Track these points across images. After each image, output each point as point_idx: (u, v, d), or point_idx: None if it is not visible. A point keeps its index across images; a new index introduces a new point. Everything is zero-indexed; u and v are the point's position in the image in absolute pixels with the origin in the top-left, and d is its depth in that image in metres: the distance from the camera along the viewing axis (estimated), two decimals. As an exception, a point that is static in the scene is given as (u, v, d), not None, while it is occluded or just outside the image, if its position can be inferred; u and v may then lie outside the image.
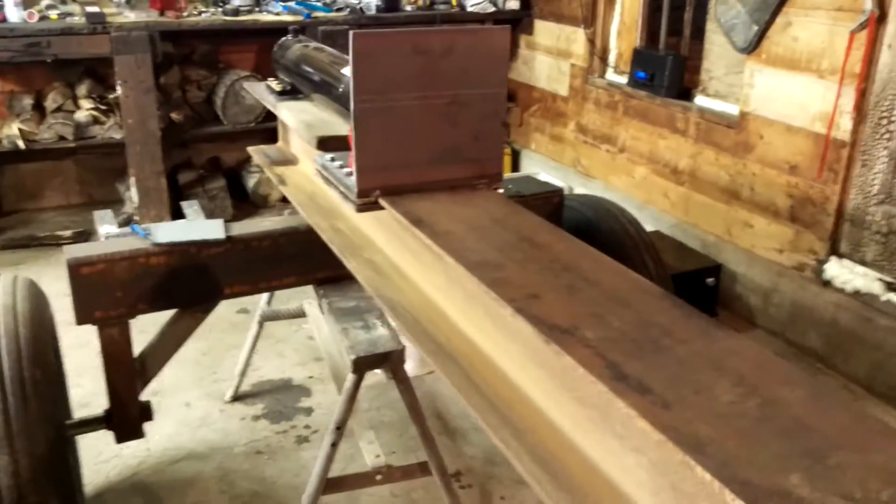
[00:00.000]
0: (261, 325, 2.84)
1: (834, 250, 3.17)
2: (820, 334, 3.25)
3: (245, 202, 4.73)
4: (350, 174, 1.58)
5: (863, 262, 3.07)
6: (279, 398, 2.95)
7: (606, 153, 4.38)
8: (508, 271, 1.20)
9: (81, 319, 1.87)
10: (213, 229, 1.95)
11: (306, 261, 2.10)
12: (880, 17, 2.78)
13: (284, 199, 4.72)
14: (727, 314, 3.61)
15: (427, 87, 1.48)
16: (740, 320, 3.58)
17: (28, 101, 4.12)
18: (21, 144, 3.92)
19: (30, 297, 1.80)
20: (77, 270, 1.82)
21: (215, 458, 2.64)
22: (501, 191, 1.66)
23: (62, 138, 4.02)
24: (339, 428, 1.89)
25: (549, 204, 2.40)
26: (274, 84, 2.44)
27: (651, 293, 1.13)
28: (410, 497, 2.45)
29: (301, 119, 1.96)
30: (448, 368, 1.37)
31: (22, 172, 4.56)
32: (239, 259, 1.99)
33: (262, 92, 2.49)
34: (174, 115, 4.31)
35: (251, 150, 2.68)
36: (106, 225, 1.98)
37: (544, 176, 4.94)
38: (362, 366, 1.81)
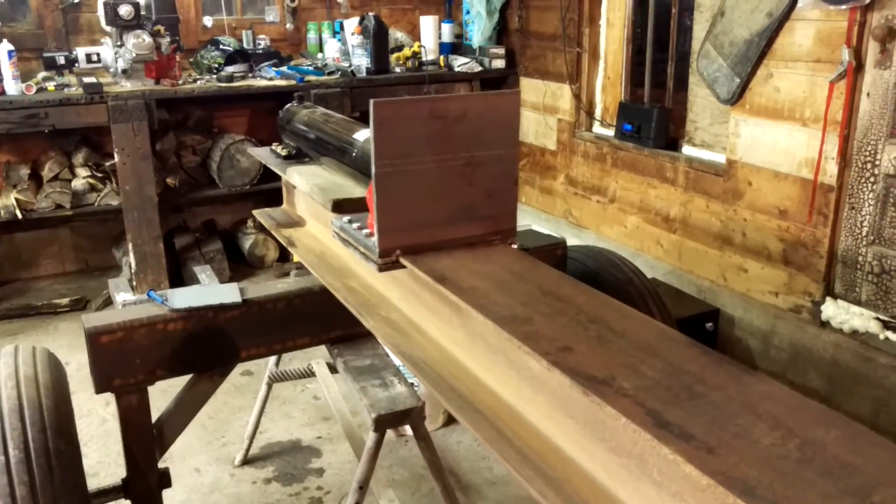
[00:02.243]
0: (269, 386, 2.84)
1: (829, 291, 3.24)
2: (821, 375, 3.29)
3: (241, 264, 4.75)
4: (369, 235, 1.62)
5: (857, 302, 3.14)
6: (289, 460, 2.94)
7: (597, 204, 4.47)
8: (537, 325, 1.24)
9: (100, 388, 1.88)
10: (228, 293, 1.98)
11: (320, 321, 2.13)
12: (857, 67, 2.91)
13: (280, 260, 4.76)
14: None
15: (444, 150, 1.54)
16: (741, 364, 3.62)
17: (24, 171, 4.16)
18: (18, 214, 3.94)
19: (50, 368, 1.81)
20: (96, 339, 1.84)
21: (228, 523, 2.61)
22: (515, 246, 1.70)
23: (59, 207, 4.06)
24: (363, 487, 1.89)
25: (553, 256, 2.46)
26: (279, 149, 2.50)
27: (679, 342, 1.18)
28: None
29: (313, 183, 2.01)
30: (477, 423, 1.39)
31: (17, 242, 4.57)
32: (254, 321, 2.02)
33: (267, 156, 2.55)
34: (170, 181, 4.36)
35: (257, 213, 2.72)
36: (122, 293, 2.01)
37: (536, 228, 5.02)
38: (383, 423, 1.83)
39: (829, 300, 3.22)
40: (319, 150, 2.20)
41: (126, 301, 1.95)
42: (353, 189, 1.95)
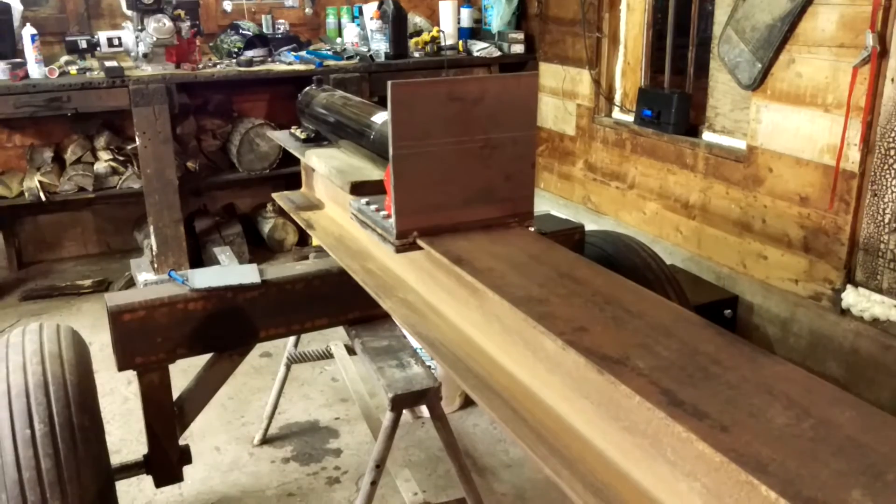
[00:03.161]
0: (288, 367, 2.88)
1: (850, 279, 3.21)
2: (840, 363, 3.27)
3: (261, 247, 4.79)
4: (387, 217, 1.63)
5: (879, 290, 3.11)
6: (307, 440, 2.97)
7: (616, 190, 4.45)
8: (553, 306, 1.25)
9: (123, 365, 1.92)
10: (248, 274, 2.00)
11: (338, 302, 2.15)
12: (881, 53, 2.87)
13: (300, 244, 4.79)
14: (744, 345, 3.64)
15: (461, 131, 1.55)
16: (756, 346, 3.61)
17: (48, 154, 4.21)
18: (42, 196, 4.00)
19: (74, 345, 1.84)
20: (118, 317, 1.87)
21: (248, 501, 2.65)
22: (533, 229, 1.71)
23: (82, 189, 4.10)
24: (379, 466, 1.91)
25: (571, 241, 2.46)
26: (298, 132, 2.51)
27: (694, 323, 1.18)
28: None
29: (332, 165, 2.02)
30: (493, 403, 1.40)
31: (40, 224, 4.64)
32: (273, 302, 2.04)
33: (286, 140, 2.56)
34: (190, 164, 4.40)
35: (276, 196, 2.74)
36: (144, 273, 2.04)
37: (555, 213, 5.01)
38: (400, 403, 1.85)
39: (849, 288, 3.19)
40: (338, 133, 2.22)
41: (148, 281, 1.99)
42: (371, 171, 1.96)
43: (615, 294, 1.29)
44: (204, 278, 1.96)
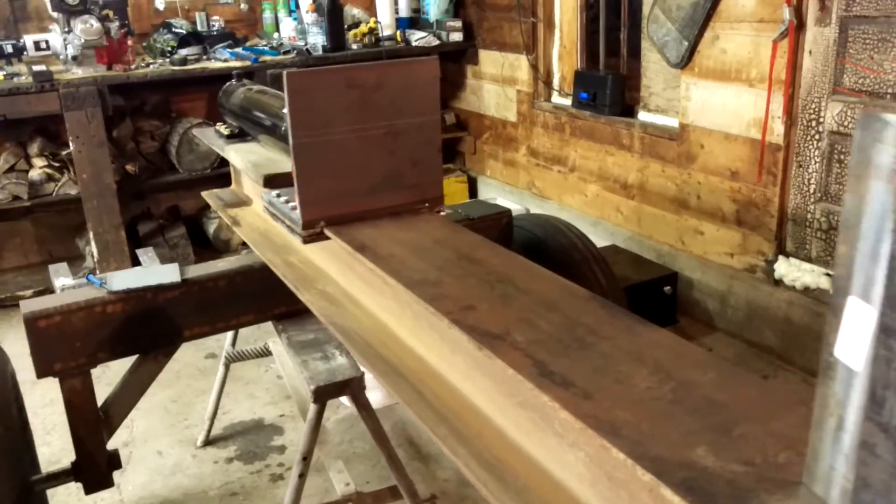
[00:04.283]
0: (227, 366, 2.86)
1: (781, 250, 3.28)
2: (776, 332, 3.35)
3: (207, 248, 4.74)
4: (295, 208, 1.63)
5: (808, 259, 3.18)
6: (252, 439, 2.96)
7: (558, 174, 4.49)
8: (446, 287, 1.26)
9: (41, 372, 1.89)
10: (168, 274, 1.99)
11: (263, 298, 2.14)
12: (799, 26, 2.93)
13: (246, 243, 4.75)
14: (687, 320, 3.71)
15: (362, 119, 1.55)
16: (700, 325, 3.68)
17: (-20, 164, 4.12)
18: (-25, 207, 3.91)
19: (-12, 354, 1.82)
20: (34, 324, 1.84)
21: (190, 503, 2.64)
22: (444, 213, 1.72)
23: (17, 198, 4.03)
24: (306, 458, 1.92)
25: (499, 225, 2.47)
26: (223, 129, 2.50)
27: (579, 296, 1.20)
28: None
29: (249, 160, 2.02)
30: (399, 386, 1.41)
31: (-22, 235, 4.54)
32: (196, 301, 2.03)
33: (211, 137, 2.55)
34: (129, 167, 4.34)
35: (205, 194, 2.72)
36: (62, 278, 2.01)
37: (501, 200, 5.04)
38: (323, 395, 1.85)
39: (781, 258, 3.26)
40: (255, 128, 2.21)
41: (65, 285, 1.96)
42: (285, 163, 1.95)
43: (509, 273, 1.31)
44: (122, 280, 1.94)
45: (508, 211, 2.53)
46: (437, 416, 1.33)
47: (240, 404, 3.20)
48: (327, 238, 1.56)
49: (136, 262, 4.24)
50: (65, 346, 1.89)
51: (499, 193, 5.04)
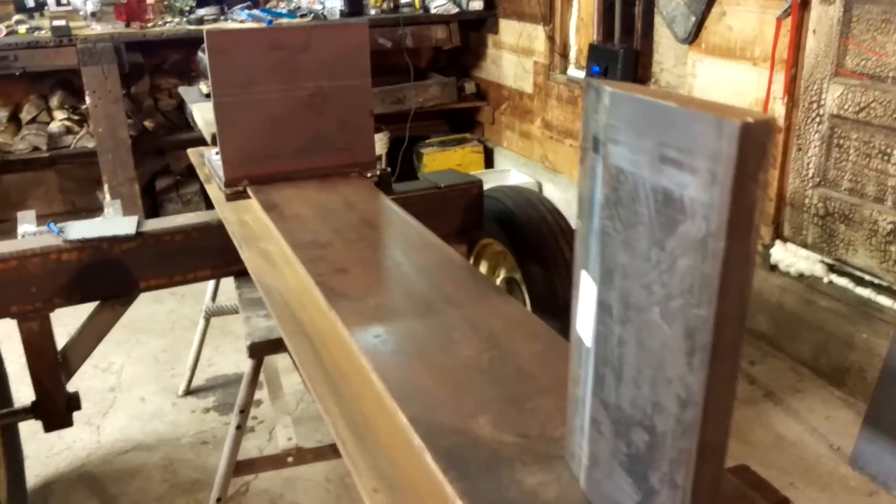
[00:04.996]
0: (207, 320, 2.93)
1: (778, 234, 3.20)
2: (768, 318, 3.27)
3: (221, 206, 4.84)
4: (226, 167, 1.66)
5: (804, 245, 3.09)
6: (231, 391, 3.04)
7: (570, 147, 4.43)
8: (333, 250, 1.28)
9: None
10: (124, 226, 2.05)
11: (221, 254, 2.18)
12: (803, 3, 2.81)
13: (259, 202, 4.83)
14: (683, 302, 3.65)
15: (287, 80, 1.56)
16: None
17: (3, 114, 4.27)
18: (-4, 155, 4.07)
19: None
20: (-10, 267, 1.92)
21: (162, 448, 2.73)
22: (374, 176, 1.73)
23: (36, 149, 4.16)
24: (243, 411, 1.97)
25: (469, 195, 2.46)
26: (203, 87, 2.54)
27: (457, 266, 1.20)
28: (344, 482, 2.53)
29: (206, 118, 2.05)
30: (299, 346, 1.44)
31: (5, 184, 4.72)
32: (152, 253, 2.08)
33: (193, 94, 2.59)
34: (147, 123, 4.44)
35: (190, 151, 2.77)
36: (25, 224, 2.09)
37: (515, 172, 5.00)
38: (258, 351, 1.89)
39: (778, 243, 3.18)
40: (222, 87, 2.24)
41: (27, 232, 2.03)
42: (237, 124, 1.98)
43: (400, 241, 1.32)
44: (79, 230, 2.01)
45: (479, 181, 2.52)
46: (325, 376, 1.35)
47: (226, 357, 3.28)
48: (249, 197, 1.58)
49: (150, 215, 4.36)
50: (21, 289, 1.97)
51: (513, 165, 5.00)
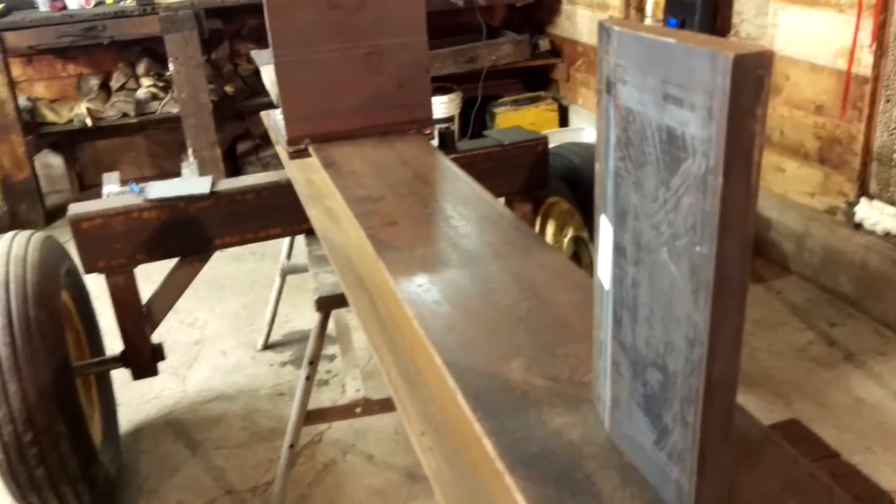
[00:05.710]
0: (283, 278, 3.04)
1: (864, 191, 3.05)
2: (851, 278, 3.14)
3: (299, 168, 4.96)
4: (288, 126, 1.71)
5: (892, 202, 2.95)
6: (306, 346, 3.15)
7: (646, 104, 4.32)
8: (385, 204, 1.31)
9: (88, 268, 2.11)
10: (199, 185, 2.14)
11: (291, 212, 2.25)
12: (895, -58, 2.64)
13: (334, 164, 4.92)
14: (762, 261, 3.54)
15: (344, 39, 1.59)
16: (774, 267, 3.50)
17: (95, 82, 4.48)
18: (88, 122, 4.28)
19: (41, 249, 2.05)
20: (78, 225, 2.05)
21: (242, 399, 2.87)
22: (433, 132, 1.74)
23: (125, 115, 4.36)
24: (312, 363, 2.04)
25: (533, 152, 2.45)
26: (274, 50, 2.60)
27: (504, 219, 1.21)
28: (413, 435, 2.60)
29: (272, 78, 2.10)
30: (358, 298, 1.49)
31: (98, 149, 4.97)
32: (225, 212, 2.17)
33: (264, 57, 2.65)
34: (228, 88, 4.57)
35: (263, 114, 2.85)
36: (110, 185, 2.21)
37: (590, 130, 4.91)
38: (325, 305, 1.96)
39: (863, 200, 3.03)
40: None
41: (111, 192, 2.15)
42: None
43: (452, 196, 1.34)
44: (158, 189, 2.11)
45: (545, 137, 2.50)
46: (381, 327, 1.40)
47: (302, 314, 3.40)
48: (310, 155, 1.63)
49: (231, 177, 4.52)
50: (106, 246, 2.10)
51: (588, 123, 4.92)
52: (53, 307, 1.96)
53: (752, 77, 0.44)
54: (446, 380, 0.82)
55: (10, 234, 2.10)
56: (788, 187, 3.39)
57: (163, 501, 2.30)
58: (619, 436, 0.70)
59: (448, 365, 0.82)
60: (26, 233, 2.11)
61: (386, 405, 2.21)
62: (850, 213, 3.09)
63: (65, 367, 1.93)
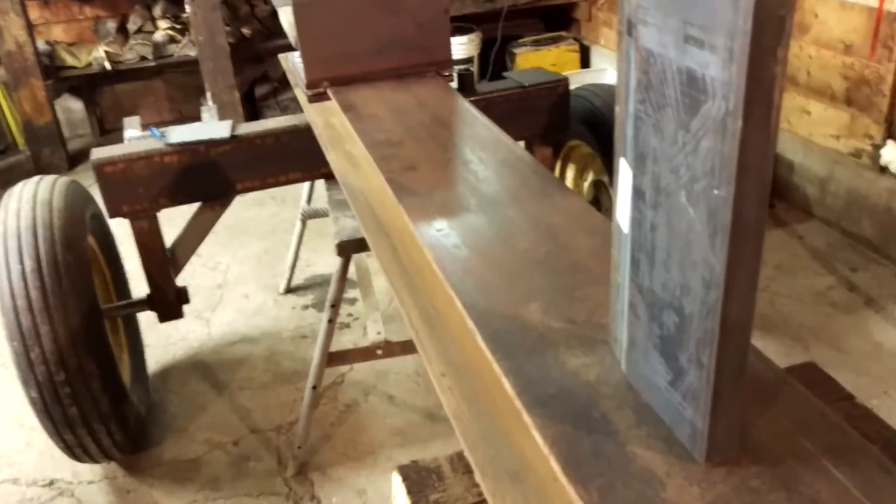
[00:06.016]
0: (303, 223, 3.06)
1: (890, 134, 2.99)
2: (874, 223, 3.11)
3: (317, 112, 4.94)
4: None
5: (920, 145, 2.89)
6: (327, 290, 3.19)
7: (670, 44, 4.22)
8: (404, 148, 1.31)
9: (112, 213, 2.14)
10: (219, 129, 2.15)
11: (311, 156, 2.25)
12: None
13: (353, 108, 4.89)
14: (784, 205, 3.51)
15: (362, -20, 1.57)
16: (796, 211, 3.47)
17: (112, 26, 4.46)
18: (107, 65, 4.28)
19: (66, 194, 2.07)
20: (101, 169, 2.07)
21: (265, 341, 2.93)
22: (452, 74, 1.73)
23: (143, 58, 4.35)
24: (333, 306, 2.08)
25: (554, 94, 2.42)
26: (291, -9, 2.56)
27: (523, 163, 1.21)
28: (433, 377, 2.65)
29: (290, 20, 2.08)
30: (378, 242, 1.50)
31: (118, 93, 4.97)
32: (245, 156, 2.18)
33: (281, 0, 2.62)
34: (244, 30, 4.53)
35: (281, 57, 2.83)
36: (130, 129, 2.22)
37: (611, 72, 4.83)
38: (345, 249, 1.97)
39: (889, 143, 2.98)
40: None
41: (132, 136, 2.17)
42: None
43: (471, 140, 1.33)
44: (179, 134, 2.12)
45: (565, 79, 2.46)
46: (401, 270, 1.41)
47: (323, 259, 3.43)
48: (329, 98, 1.62)
49: (250, 120, 4.51)
50: (129, 190, 2.12)
51: (610, 64, 4.83)
52: (80, 251, 1.99)
53: (774, 17, 0.43)
54: (466, 322, 0.84)
55: (36, 178, 2.13)
56: (813, 130, 3.33)
57: (191, 439, 2.37)
58: (635, 376, 0.71)
59: (467, 307, 0.84)
60: (51, 177, 2.14)
61: (406, 347, 2.25)
62: (875, 156, 3.04)
63: (93, 310, 1.98)
